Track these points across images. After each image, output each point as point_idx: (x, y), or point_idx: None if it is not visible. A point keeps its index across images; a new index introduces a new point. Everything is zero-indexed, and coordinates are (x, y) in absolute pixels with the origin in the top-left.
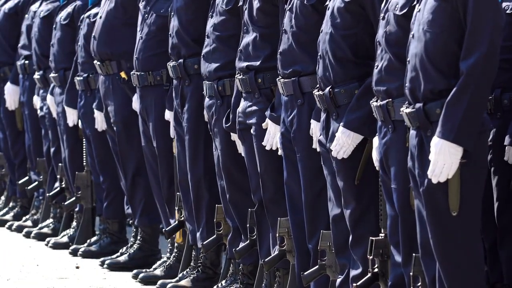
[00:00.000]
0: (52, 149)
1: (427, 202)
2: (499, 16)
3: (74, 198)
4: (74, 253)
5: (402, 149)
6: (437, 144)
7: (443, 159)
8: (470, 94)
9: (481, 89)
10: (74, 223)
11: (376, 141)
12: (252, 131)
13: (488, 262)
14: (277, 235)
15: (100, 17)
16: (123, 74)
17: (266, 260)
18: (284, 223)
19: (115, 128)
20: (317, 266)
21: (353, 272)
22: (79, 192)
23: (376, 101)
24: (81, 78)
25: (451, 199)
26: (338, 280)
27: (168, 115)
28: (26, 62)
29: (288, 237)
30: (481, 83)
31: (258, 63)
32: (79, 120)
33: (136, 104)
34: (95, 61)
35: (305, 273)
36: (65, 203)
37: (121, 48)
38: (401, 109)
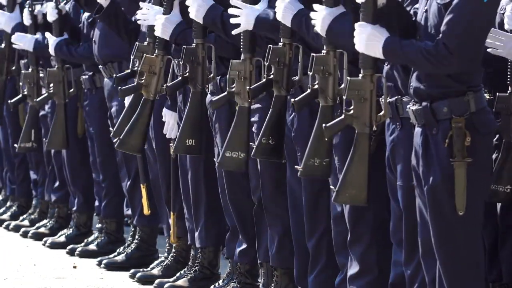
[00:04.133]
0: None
1: (431, 201)
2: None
3: (46, 94)
4: (71, 252)
5: (410, 147)
6: None
7: None
8: None
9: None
10: (71, 223)
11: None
12: (253, 129)
13: (487, 262)
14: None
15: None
16: None
17: (251, 87)
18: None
19: None
20: (342, 116)
21: (351, 272)
22: (51, 88)
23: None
24: (87, 76)
25: (457, 199)
26: (337, 279)
27: (165, 111)
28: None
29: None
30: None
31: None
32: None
33: None
34: (100, 66)
35: (328, 124)
36: (37, 99)
37: (120, 49)
38: (408, 106)
